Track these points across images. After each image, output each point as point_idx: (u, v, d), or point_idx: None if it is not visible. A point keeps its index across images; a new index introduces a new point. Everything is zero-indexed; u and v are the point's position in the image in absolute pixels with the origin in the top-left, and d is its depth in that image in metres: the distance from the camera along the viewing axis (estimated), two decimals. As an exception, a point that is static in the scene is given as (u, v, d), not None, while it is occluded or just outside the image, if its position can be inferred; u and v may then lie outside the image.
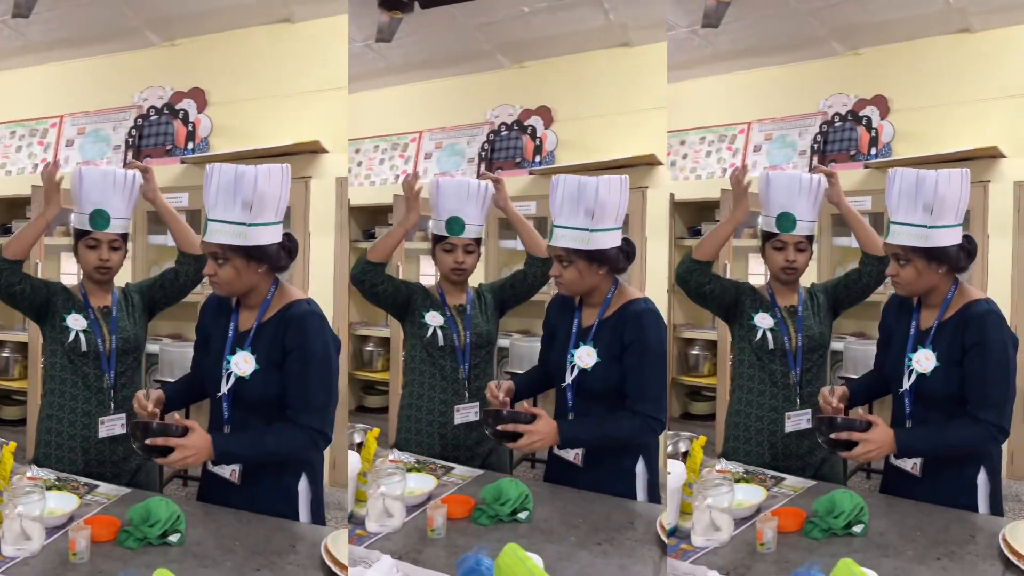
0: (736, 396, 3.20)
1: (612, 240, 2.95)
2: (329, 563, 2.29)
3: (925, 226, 2.71)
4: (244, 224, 2.66)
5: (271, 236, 2.70)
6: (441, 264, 3.38)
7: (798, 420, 3.09)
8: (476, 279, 3.48)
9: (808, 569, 2.09)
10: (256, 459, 2.67)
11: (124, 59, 4.85)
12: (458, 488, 2.83)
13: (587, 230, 2.93)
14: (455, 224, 3.33)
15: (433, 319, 3.32)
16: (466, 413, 3.29)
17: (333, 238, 4.53)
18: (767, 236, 3.15)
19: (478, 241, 3.39)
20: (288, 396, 2.65)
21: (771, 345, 3.11)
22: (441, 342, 3.31)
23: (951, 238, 2.71)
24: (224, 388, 2.69)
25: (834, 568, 1.97)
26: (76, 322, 3.10)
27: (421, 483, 2.79)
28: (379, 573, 2.14)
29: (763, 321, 3.12)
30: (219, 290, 2.74)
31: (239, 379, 2.68)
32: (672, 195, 4.58)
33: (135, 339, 3.18)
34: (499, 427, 2.77)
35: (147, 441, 2.53)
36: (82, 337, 3.10)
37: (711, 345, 5.15)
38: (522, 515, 2.58)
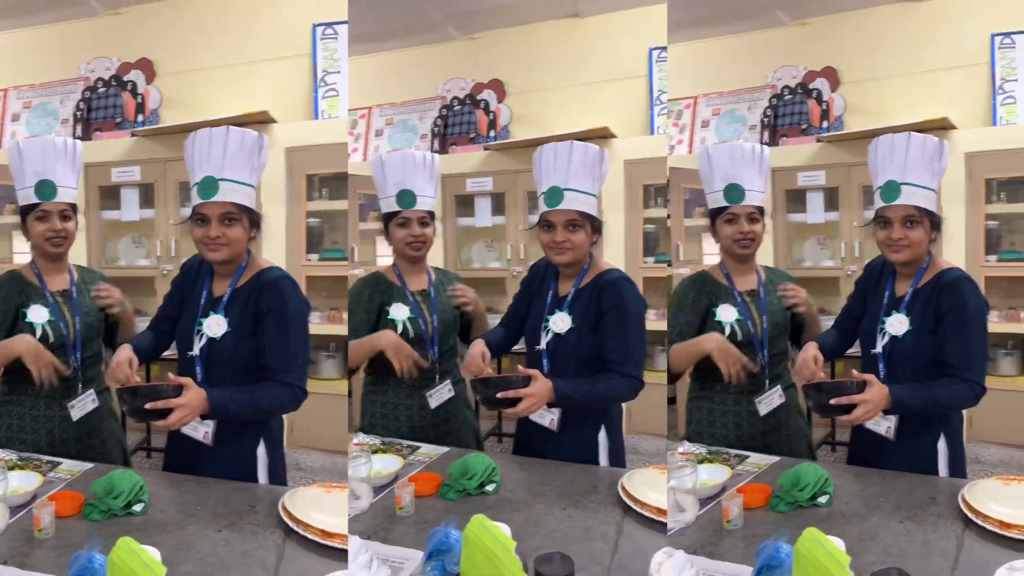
0: (698, 384, 3.11)
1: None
2: (287, 520, 2.32)
3: (932, 189, 2.79)
4: (252, 187, 2.76)
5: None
6: (396, 241, 3.22)
7: (770, 400, 3.06)
8: (434, 259, 3.40)
9: (775, 541, 2.10)
10: (246, 414, 2.71)
11: (68, 28, 4.72)
12: (425, 466, 2.82)
13: (594, 196, 2.97)
14: (406, 196, 3.20)
15: (399, 312, 3.17)
16: (439, 396, 3.21)
17: (284, 209, 4.49)
18: (716, 212, 3.07)
19: (431, 215, 3.27)
20: (268, 357, 2.71)
21: (739, 337, 3.02)
22: (411, 334, 3.17)
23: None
24: (196, 349, 2.75)
25: (800, 537, 1.99)
26: (38, 314, 2.97)
27: (387, 464, 2.78)
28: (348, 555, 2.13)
29: (727, 314, 3.03)
30: (221, 253, 2.75)
31: (211, 340, 2.74)
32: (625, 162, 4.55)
33: (97, 319, 3.08)
34: (499, 395, 2.77)
35: (146, 406, 2.53)
36: (48, 328, 2.98)
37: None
38: (489, 487, 2.60)
